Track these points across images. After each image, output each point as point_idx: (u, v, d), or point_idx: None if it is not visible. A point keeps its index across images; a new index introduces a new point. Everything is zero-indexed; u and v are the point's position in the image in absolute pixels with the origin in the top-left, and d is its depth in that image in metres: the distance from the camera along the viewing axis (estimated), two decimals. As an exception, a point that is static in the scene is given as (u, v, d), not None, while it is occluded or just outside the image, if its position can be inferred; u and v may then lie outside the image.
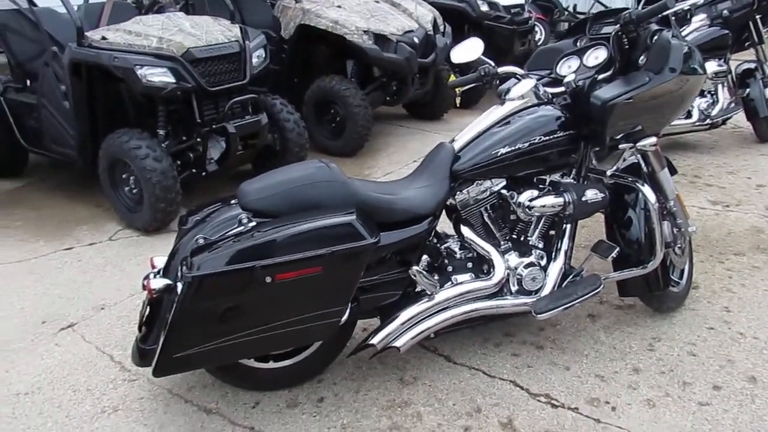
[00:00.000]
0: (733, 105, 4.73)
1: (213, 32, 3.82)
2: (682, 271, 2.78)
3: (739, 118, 4.98)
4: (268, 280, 1.85)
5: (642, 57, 2.33)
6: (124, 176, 3.76)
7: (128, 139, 3.58)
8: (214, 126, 3.86)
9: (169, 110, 3.82)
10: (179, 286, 1.89)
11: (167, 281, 1.99)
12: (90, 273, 3.27)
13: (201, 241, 1.97)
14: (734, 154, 4.77)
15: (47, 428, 2.17)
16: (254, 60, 4.00)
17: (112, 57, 3.49)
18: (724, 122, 4.77)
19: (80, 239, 3.67)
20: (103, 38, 3.60)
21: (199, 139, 3.89)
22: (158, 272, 2.12)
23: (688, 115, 4.62)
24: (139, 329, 2.13)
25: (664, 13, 2.24)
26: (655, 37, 2.30)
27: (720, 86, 4.68)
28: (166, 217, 3.66)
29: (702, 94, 4.68)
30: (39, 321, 2.82)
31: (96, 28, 3.88)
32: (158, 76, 3.52)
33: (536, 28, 7.71)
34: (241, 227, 1.99)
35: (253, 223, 1.99)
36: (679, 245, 2.66)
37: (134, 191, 3.73)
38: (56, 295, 3.05)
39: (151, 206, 3.58)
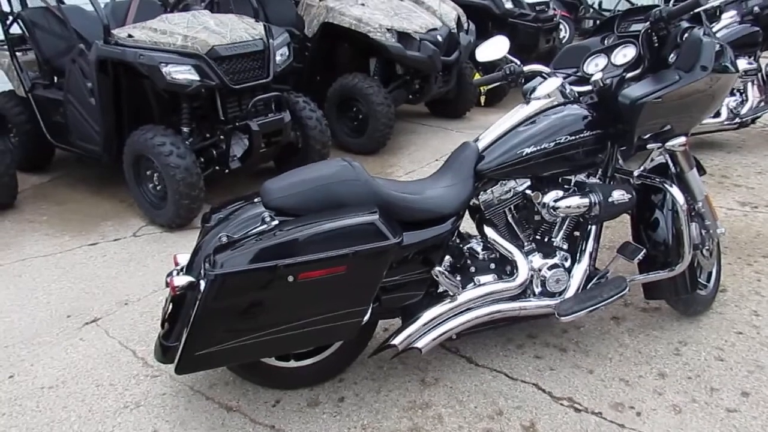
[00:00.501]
0: (762, 104, 4.63)
1: (237, 30, 3.84)
2: (710, 273, 2.73)
3: (769, 118, 4.87)
4: (291, 279, 1.84)
5: (672, 55, 2.28)
6: (148, 172, 3.79)
7: (153, 135, 3.61)
8: (237, 123, 3.89)
9: (193, 107, 3.85)
10: (202, 283, 1.89)
11: (190, 278, 1.99)
12: (114, 268, 3.31)
13: (224, 239, 1.97)
14: (763, 154, 4.67)
15: (71, 422, 2.19)
16: (278, 58, 4.01)
17: (137, 54, 3.52)
18: (753, 121, 4.68)
19: (105, 235, 3.71)
20: (129, 36, 3.63)
21: (222, 137, 3.91)
22: (181, 269, 2.13)
23: (717, 113, 4.53)
24: (162, 326, 2.14)
25: (696, 10, 2.18)
26: (686, 35, 2.25)
27: (749, 84, 4.58)
28: (189, 213, 3.69)
29: (731, 93, 4.58)
30: (64, 315, 2.86)
31: (122, 26, 3.91)
32: (183, 73, 3.54)
33: (561, 26, 7.63)
34: (264, 225, 1.99)
35: (276, 222, 1.99)
36: (707, 247, 2.60)
37: (158, 187, 3.76)
38: (81, 290, 3.09)
39: (174, 203, 3.61)
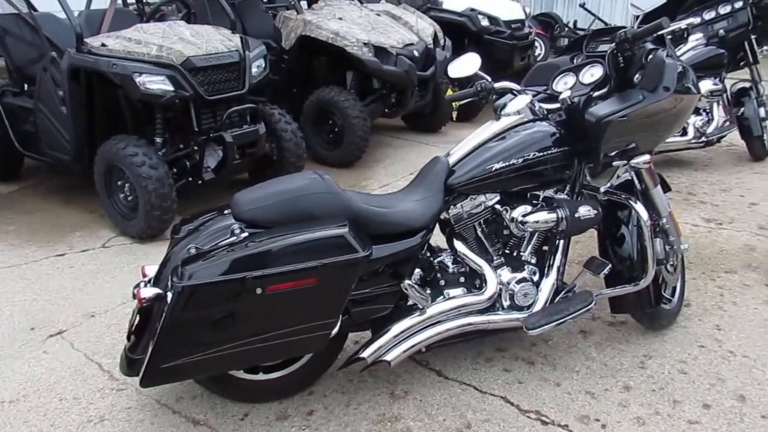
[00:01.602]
0: (727, 123, 4.76)
1: (213, 41, 3.84)
2: (674, 288, 2.78)
3: (734, 137, 5.01)
4: (259, 291, 1.84)
5: (637, 75, 2.34)
6: (119, 183, 3.76)
7: (125, 145, 3.59)
8: (211, 134, 3.88)
9: (167, 118, 3.83)
10: (170, 295, 1.88)
11: (158, 290, 1.98)
12: (82, 280, 3.26)
13: (193, 251, 1.96)
14: (728, 172, 4.79)
15: (33, 436, 2.15)
16: (254, 70, 4.02)
17: (110, 63, 3.50)
18: (718, 140, 4.79)
19: (73, 245, 3.66)
20: (103, 45, 3.61)
21: (196, 148, 3.90)
22: (149, 281, 2.11)
23: (684, 132, 4.64)
24: (128, 338, 2.11)
25: (659, 33, 2.25)
26: (650, 56, 2.31)
27: (715, 105, 4.70)
28: (160, 224, 3.65)
29: (697, 112, 4.71)
30: (28, 327, 2.81)
31: (96, 35, 3.89)
32: (156, 83, 3.53)
33: (536, 44, 7.76)
34: (234, 237, 1.99)
35: (246, 234, 1.99)
36: (671, 263, 2.66)
37: (129, 198, 3.72)
38: (46, 302, 3.03)
39: (146, 214, 3.58)
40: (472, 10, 6.51)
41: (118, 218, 3.80)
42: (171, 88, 3.56)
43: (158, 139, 3.80)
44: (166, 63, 3.58)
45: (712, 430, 2.18)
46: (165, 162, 3.66)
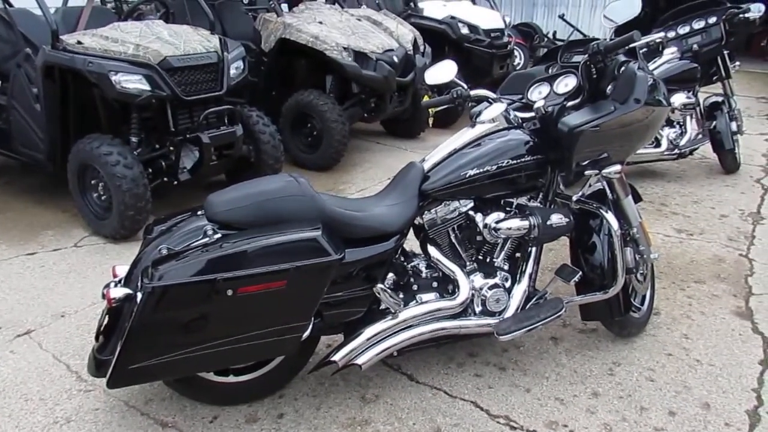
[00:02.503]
0: (700, 136, 4.85)
1: (191, 42, 3.82)
2: (644, 297, 2.83)
3: (706, 150, 5.10)
4: (230, 293, 1.83)
5: (609, 87, 2.38)
6: (93, 182, 3.71)
7: (99, 144, 3.55)
8: (188, 135, 3.85)
9: (143, 118, 3.80)
10: (139, 295, 1.87)
11: (127, 290, 1.96)
12: (52, 279, 3.21)
13: (164, 251, 1.95)
14: (700, 184, 4.89)
15: (-4, 438, 2.11)
16: (232, 71, 4.01)
17: (86, 61, 3.46)
18: (691, 153, 4.89)
19: (44, 244, 3.61)
20: (79, 42, 3.57)
21: (172, 148, 3.86)
22: (119, 281, 2.09)
23: (657, 144, 4.72)
24: (96, 339, 2.09)
25: (631, 46, 2.30)
26: (622, 68, 2.35)
27: (688, 118, 4.79)
28: (134, 225, 3.62)
29: (671, 125, 4.79)
30: (-5, 327, 2.76)
31: (73, 32, 3.84)
32: (133, 83, 3.50)
33: (515, 53, 7.83)
34: (206, 239, 1.98)
35: (218, 235, 1.98)
36: (641, 272, 2.70)
37: (103, 198, 3.68)
38: (15, 301, 2.98)
39: (119, 214, 3.54)
40: (453, 17, 6.56)
41: (92, 218, 3.75)
42: (147, 87, 3.53)
43: (134, 139, 3.76)
44: (143, 62, 3.55)
45: (677, 436, 2.22)
46: (140, 162, 3.62)
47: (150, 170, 3.80)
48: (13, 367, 2.48)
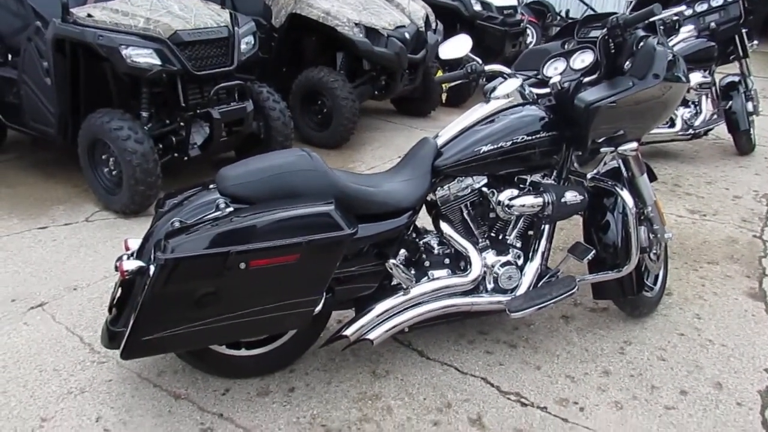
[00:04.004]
0: (715, 117, 4.79)
1: (202, 16, 3.78)
2: (657, 276, 2.81)
3: (721, 130, 5.04)
4: (243, 266, 1.83)
5: (627, 62, 2.34)
6: (103, 157, 3.71)
7: (110, 119, 3.53)
8: (198, 111, 3.83)
9: (153, 92, 3.77)
10: (152, 268, 1.87)
11: (140, 263, 1.97)
12: (64, 253, 3.22)
13: (176, 224, 1.94)
14: (714, 165, 4.83)
15: (10, 407, 2.13)
16: (243, 46, 3.97)
17: (96, 35, 3.43)
18: (706, 133, 4.83)
19: (55, 219, 3.62)
20: (89, 15, 3.54)
21: (182, 123, 3.84)
22: (132, 254, 2.09)
23: (672, 124, 4.66)
24: (110, 311, 2.10)
25: (651, 20, 2.25)
26: (641, 44, 2.31)
27: (704, 97, 4.73)
28: (144, 200, 3.62)
29: (686, 105, 4.73)
30: (8, 299, 2.78)
31: (83, 5, 3.81)
32: (143, 57, 3.47)
33: (528, 31, 7.72)
34: (218, 212, 1.97)
35: (231, 209, 1.97)
36: (654, 251, 2.68)
37: (114, 173, 3.68)
38: (28, 274, 3.00)
39: (130, 188, 3.54)
40: (465, -6, 6.46)
41: (102, 193, 3.75)
42: (158, 62, 3.51)
43: (144, 114, 3.74)
44: (153, 36, 3.52)
45: (688, 415, 2.21)
46: (150, 137, 3.61)
47: (160, 146, 3.79)
48: (27, 338, 2.50)
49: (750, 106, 4.90)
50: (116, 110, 3.62)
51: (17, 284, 2.91)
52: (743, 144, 5.01)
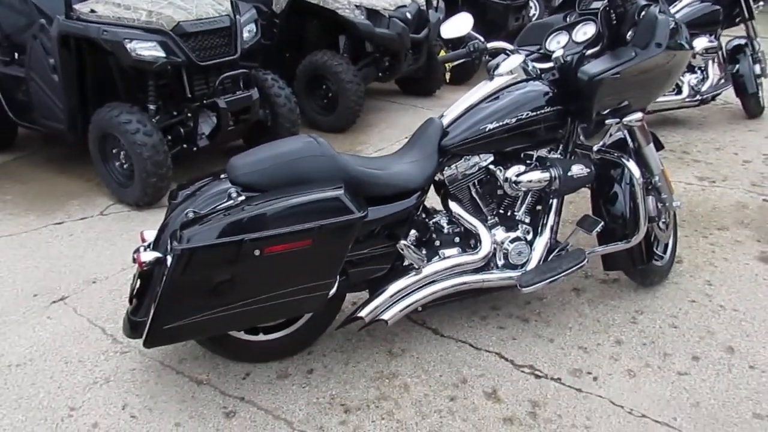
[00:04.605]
0: (722, 81, 4.75)
1: (203, 5, 3.79)
2: (666, 245, 2.83)
3: (729, 95, 5.00)
4: (257, 253, 1.87)
5: (630, 32, 2.34)
6: (114, 151, 3.75)
7: (118, 113, 3.57)
8: (205, 101, 3.86)
9: (159, 85, 3.80)
10: (169, 259, 1.92)
11: (157, 254, 2.01)
12: (81, 247, 3.29)
13: (191, 215, 1.99)
14: (722, 130, 4.81)
15: (39, 398, 2.21)
16: (245, 34, 3.98)
17: (101, 30, 3.46)
18: (713, 98, 4.79)
19: (71, 214, 3.68)
20: (92, 11, 3.57)
21: (189, 114, 3.88)
22: (148, 245, 2.14)
23: (678, 91, 4.64)
24: (130, 302, 2.16)
25: (652, -13, 2.24)
26: (643, 13, 2.31)
27: (710, 62, 4.69)
28: (157, 192, 3.67)
29: (692, 70, 4.69)
30: (30, 294, 2.85)
31: (85, 1, 3.83)
32: (148, 50, 3.50)
33: (530, 3, 7.63)
34: (231, 201, 2.01)
35: (243, 197, 2.01)
36: (663, 220, 2.70)
37: (125, 166, 3.73)
38: (47, 269, 3.07)
39: (142, 181, 3.59)
40: (466, -31, 6.39)
41: (115, 186, 3.81)
42: (162, 54, 3.53)
43: (151, 107, 3.77)
44: (156, 29, 3.55)
45: (701, 380, 2.25)
46: (159, 129, 3.65)
47: (169, 137, 3.82)
48: (51, 331, 2.57)
49: (758, 68, 4.85)
50: (124, 104, 3.66)
51: (38, 279, 2.98)
52: (752, 107, 4.97)
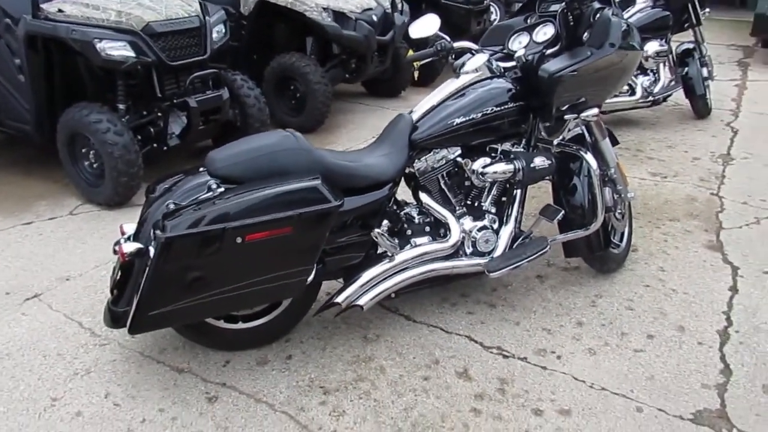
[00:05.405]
0: (673, 83, 5.00)
1: (172, 6, 3.84)
2: (623, 234, 3.00)
3: (679, 96, 5.27)
4: (239, 240, 1.95)
5: (586, 33, 2.50)
6: (84, 150, 3.76)
7: (88, 113, 3.58)
8: (175, 101, 3.89)
9: (129, 84, 3.82)
10: (151, 249, 1.98)
11: (139, 245, 2.07)
12: (52, 246, 3.29)
13: (172, 206, 2.05)
14: (673, 130, 5.06)
15: (20, 390, 2.23)
16: (214, 35, 4.04)
17: (69, 30, 3.47)
18: (665, 99, 5.04)
19: (40, 214, 3.67)
20: (60, 11, 3.57)
21: (159, 114, 3.92)
22: (128, 238, 2.19)
23: (632, 92, 4.87)
24: (111, 293, 2.20)
25: (605, -8, 2.41)
26: (597, 15, 2.47)
27: (661, 65, 4.93)
28: (128, 191, 3.69)
29: (645, 73, 4.93)
30: (3, 292, 2.85)
31: (50, 1, 3.83)
32: (118, 50, 3.53)
33: (491, 8, 7.86)
34: (211, 193, 2.08)
35: (222, 189, 2.09)
36: (619, 210, 2.87)
37: (95, 165, 3.74)
38: (19, 268, 3.07)
39: (113, 180, 3.60)
40: (428, -26, 6.56)
41: (84, 186, 3.81)
42: (132, 54, 3.56)
43: (121, 106, 3.79)
44: (126, 29, 3.58)
45: (655, 356, 2.41)
46: (129, 129, 3.67)
47: (139, 137, 3.85)
48: (27, 327, 2.59)
49: (705, 71, 5.13)
50: (94, 103, 3.67)
51: (9, 278, 2.97)
52: (700, 108, 5.24)
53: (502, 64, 2.61)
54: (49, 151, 3.95)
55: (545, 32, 2.57)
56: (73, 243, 3.33)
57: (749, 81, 6.46)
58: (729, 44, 8.21)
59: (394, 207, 2.53)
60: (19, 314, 2.69)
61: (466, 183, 2.56)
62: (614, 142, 2.88)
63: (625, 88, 4.88)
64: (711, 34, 7.18)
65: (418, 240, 2.49)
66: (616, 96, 4.81)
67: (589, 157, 2.62)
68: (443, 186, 2.54)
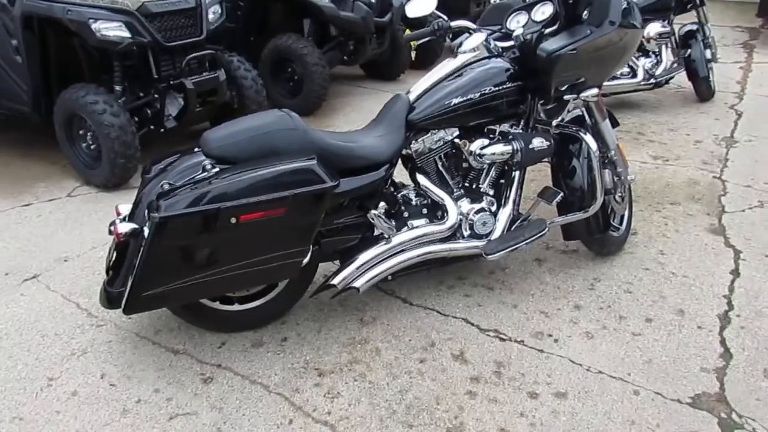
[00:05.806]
0: (675, 65, 4.95)
1: (168, -14, 3.78)
2: (622, 217, 2.98)
3: (681, 78, 5.21)
4: (233, 221, 1.94)
5: (585, 12, 2.46)
6: (81, 132, 3.74)
7: (85, 94, 3.56)
8: (171, 82, 3.86)
9: (125, 66, 3.79)
10: (146, 230, 1.96)
11: (134, 225, 2.06)
12: (51, 227, 3.28)
13: (166, 186, 2.03)
14: (675, 113, 5.02)
15: (17, 370, 2.23)
16: (210, 16, 3.99)
17: (65, 10, 3.44)
18: (667, 82, 4.99)
19: (38, 196, 3.66)
20: (55, -10, 3.53)
21: (156, 95, 3.88)
22: (124, 218, 2.18)
23: (634, 74, 4.82)
24: (107, 273, 2.19)
25: (606, -30, 2.36)
26: (597, -7, 2.43)
27: (663, 47, 4.88)
28: (125, 173, 3.67)
29: (647, 55, 4.88)
30: (1, 273, 2.85)
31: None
32: (113, 30, 3.49)
33: (491, -10, 7.78)
34: (205, 173, 2.06)
35: (217, 169, 2.07)
36: (619, 193, 2.85)
37: (92, 147, 3.72)
38: (17, 249, 3.06)
39: (110, 162, 3.59)
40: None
41: (82, 168, 3.79)
42: (128, 34, 3.52)
43: (117, 87, 3.76)
44: (121, 9, 3.53)
45: (654, 340, 2.40)
46: (126, 110, 3.65)
47: (136, 119, 3.82)
48: (25, 307, 2.59)
49: (708, 53, 5.07)
50: (90, 85, 3.64)
51: (8, 259, 2.97)
52: (703, 91, 5.19)
53: (501, 44, 2.58)
54: (48, 133, 3.93)
55: (544, 11, 2.53)
56: (71, 224, 3.32)
57: (754, 63, 6.39)
58: (734, 26, 8.11)
59: (391, 189, 2.51)
60: (17, 294, 2.69)
61: (464, 164, 2.54)
62: (614, 123, 2.85)
63: (627, 70, 4.83)
64: (715, 16, 7.09)
65: (415, 222, 2.47)
66: (617, 78, 4.77)
67: (589, 139, 2.59)
68: (440, 167, 2.52)
